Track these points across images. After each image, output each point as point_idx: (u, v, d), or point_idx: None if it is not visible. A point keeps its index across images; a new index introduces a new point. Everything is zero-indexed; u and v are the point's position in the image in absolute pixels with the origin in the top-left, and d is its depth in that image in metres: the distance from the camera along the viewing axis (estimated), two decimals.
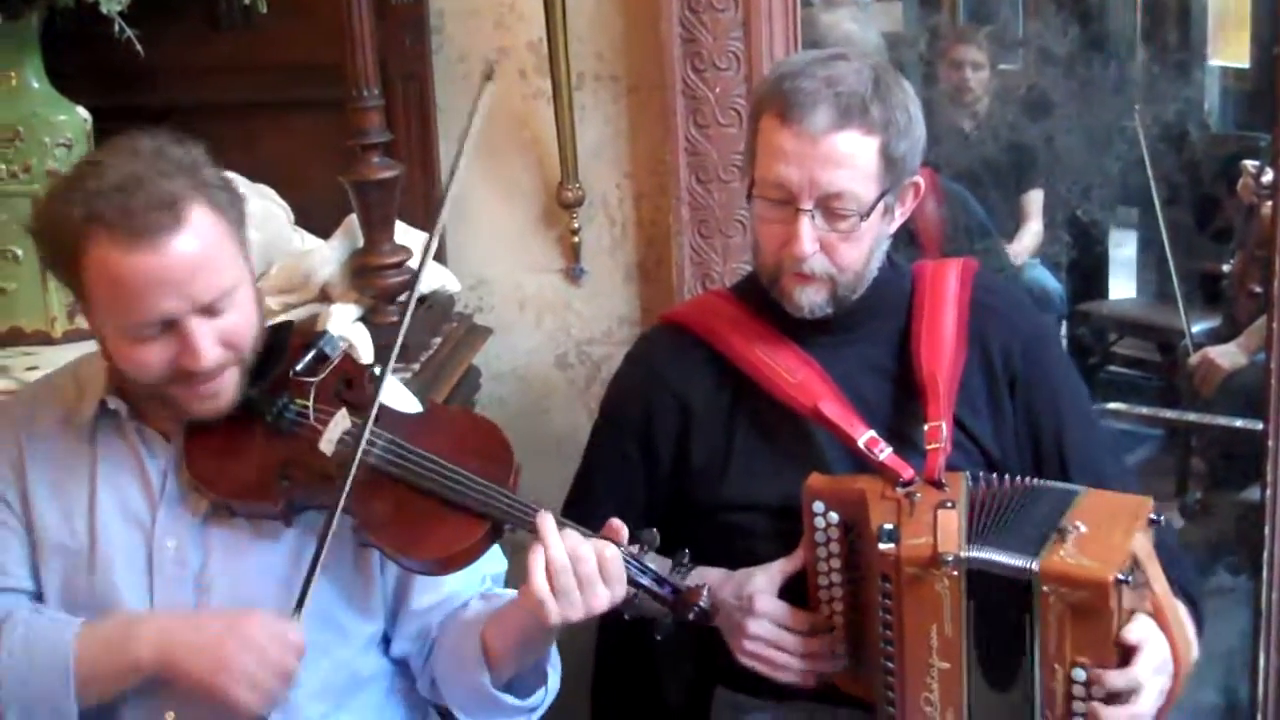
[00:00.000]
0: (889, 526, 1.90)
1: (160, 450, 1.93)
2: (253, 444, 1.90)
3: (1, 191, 2.51)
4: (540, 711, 1.99)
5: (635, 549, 1.86)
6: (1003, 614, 1.88)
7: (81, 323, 2.56)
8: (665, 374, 2.19)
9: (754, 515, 2.09)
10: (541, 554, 1.79)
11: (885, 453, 2.01)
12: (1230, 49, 4.43)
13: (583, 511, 2.19)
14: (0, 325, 2.58)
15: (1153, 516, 1.93)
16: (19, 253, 2.54)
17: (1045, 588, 1.83)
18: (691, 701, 2.31)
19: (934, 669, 1.90)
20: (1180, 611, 1.94)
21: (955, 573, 1.87)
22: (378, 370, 1.96)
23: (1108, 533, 1.87)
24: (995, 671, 1.91)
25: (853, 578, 2.00)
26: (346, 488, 1.82)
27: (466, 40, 2.88)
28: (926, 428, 2.03)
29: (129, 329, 1.80)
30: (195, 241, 1.78)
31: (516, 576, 1.93)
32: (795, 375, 2.09)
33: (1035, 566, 1.83)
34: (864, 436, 2.03)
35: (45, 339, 2.57)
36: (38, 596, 1.91)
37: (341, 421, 1.90)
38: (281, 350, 1.95)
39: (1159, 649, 1.85)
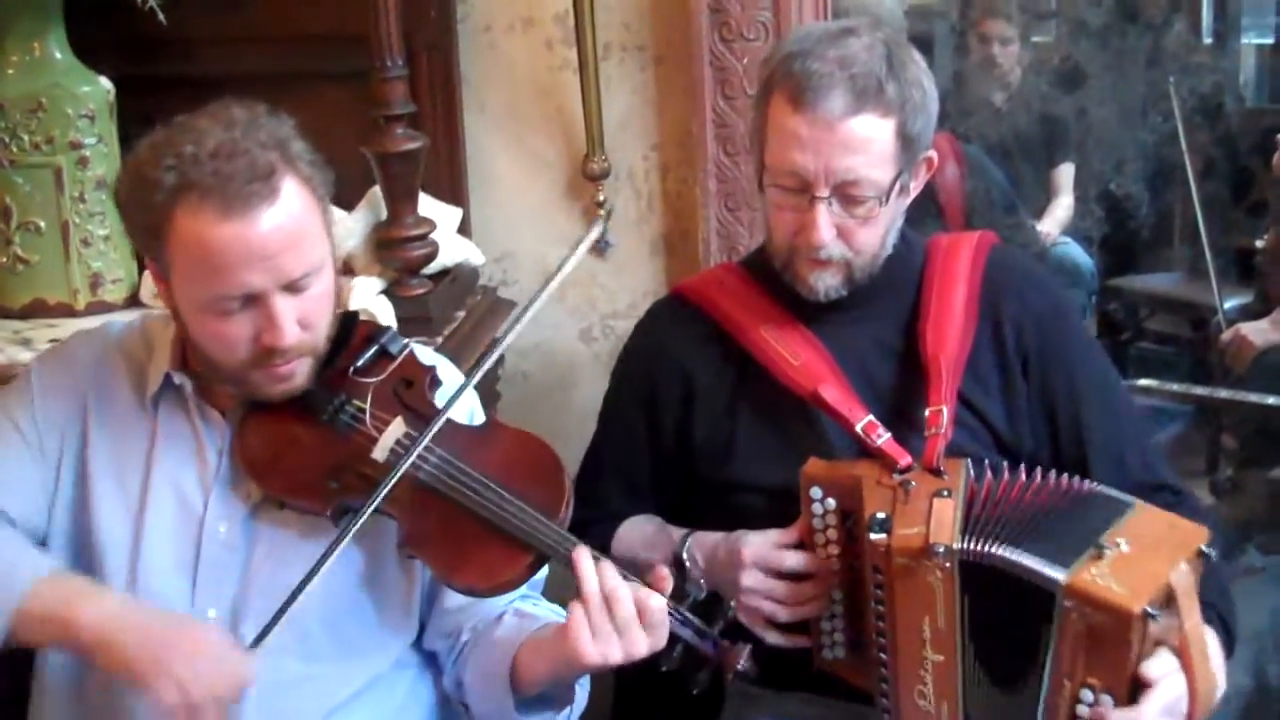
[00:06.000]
0: (881, 515, 1.85)
1: (218, 429, 1.90)
2: (305, 440, 1.86)
3: (24, 163, 2.50)
4: None
5: (679, 601, 1.81)
6: (1011, 613, 1.82)
7: (105, 295, 2.58)
8: (669, 344, 2.16)
9: (758, 497, 2.05)
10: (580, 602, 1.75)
11: (883, 438, 1.96)
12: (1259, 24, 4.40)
13: (592, 483, 2.19)
14: (23, 297, 2.57)
15: (1204, 549, 1.82)
16: (41, 224, 2.53)
17: (1068, 603, 1.74)
18: (712, 688, 2.29)
19: (928, 661, 1.85)
20: (1211, 645, 1.84)
21: (948, 564, 1.81)
22: (439, 373, 1.93)
23: (1149, 558, 1.77)
24: (997, 669, 1.86)
25: (851, 565, 1.95)
26: (374, 503, 1.78)
27: (491, 10, 2.85)
28: (927, 412, 1.98)
29: (210, 302, 1.76)
30: (286, 216, 1.73)
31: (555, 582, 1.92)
32: (798, 357, 2.04)
33: (1062, 579, 1.75)
34: (862, 421, 1.98)
35: (68, 311, 2.56)
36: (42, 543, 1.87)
37: (397, 430, 1.85)
38: (344, 341, 1.91)
39: (1172, 688, 1.76)
